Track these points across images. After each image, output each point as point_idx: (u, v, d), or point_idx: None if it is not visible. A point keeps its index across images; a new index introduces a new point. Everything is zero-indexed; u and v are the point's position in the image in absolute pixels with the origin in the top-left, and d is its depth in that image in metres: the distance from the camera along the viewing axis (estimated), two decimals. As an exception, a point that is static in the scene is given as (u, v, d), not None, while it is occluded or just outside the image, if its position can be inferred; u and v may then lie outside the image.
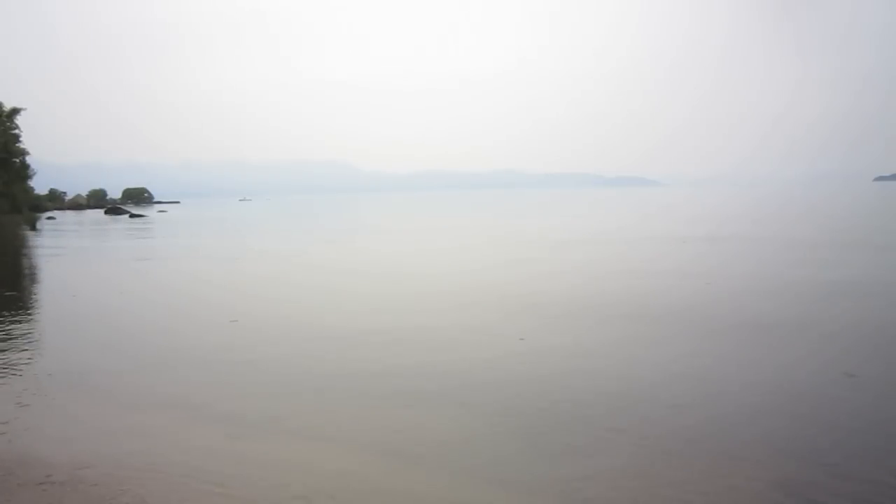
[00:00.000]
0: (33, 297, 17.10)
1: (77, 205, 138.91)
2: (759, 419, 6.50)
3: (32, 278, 21.86)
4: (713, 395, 7.30)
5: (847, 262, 18.79)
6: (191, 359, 9.44)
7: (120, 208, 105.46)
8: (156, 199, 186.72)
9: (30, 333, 11.47)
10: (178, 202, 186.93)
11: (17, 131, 77.17)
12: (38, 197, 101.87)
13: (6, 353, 9.80)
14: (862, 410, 6.72)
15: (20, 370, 8.85)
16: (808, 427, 6.31)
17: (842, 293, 13.67)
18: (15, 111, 76.77)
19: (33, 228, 54.77)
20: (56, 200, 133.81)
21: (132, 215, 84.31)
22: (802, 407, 6.85)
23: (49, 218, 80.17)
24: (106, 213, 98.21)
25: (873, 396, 7.16)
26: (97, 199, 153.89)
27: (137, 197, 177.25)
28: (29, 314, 13.78)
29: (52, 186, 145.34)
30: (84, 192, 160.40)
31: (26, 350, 10.08)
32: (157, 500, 5.12)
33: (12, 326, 11.90)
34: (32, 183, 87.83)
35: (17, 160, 77.29)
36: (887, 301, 12.85)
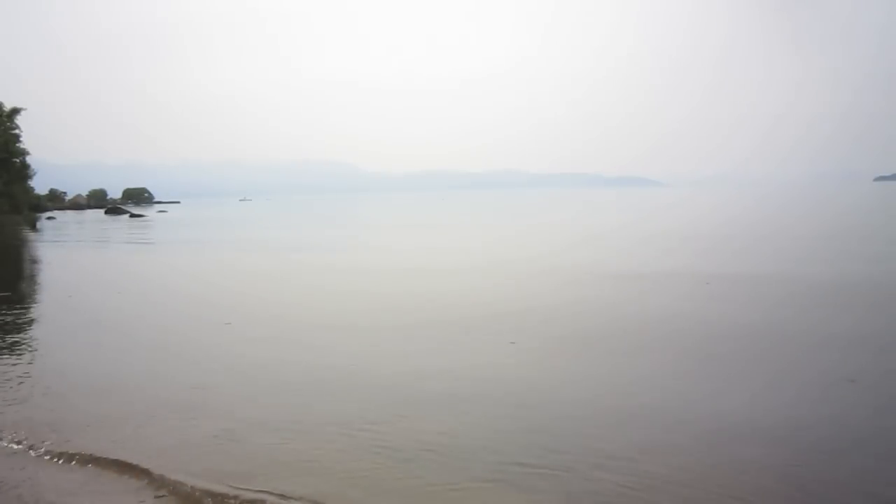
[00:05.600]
0: (30, 297, 17.04)
1: (77, 205, 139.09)
2: (760, 423, 6.44)
3: (31, 279, 21.84)
4: (713, 400, 7.22)
5: (848, 263, 18.73)
6: (184, 361, 9.37)
7: (120, 208, 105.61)
8: (156, 200, 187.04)
9: (23, 334, 11.40)
10: (178, 202, 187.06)
11: (17, 131, 77.29)
12: (38, 197, 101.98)
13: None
14: (864, 415, 6.65)
15: (11, 371, 8.80)
16: (810, 432, 6.24)
17: (843, 296, 13.62)
18: (15, 111, 76.85)
19: (33, 228, 54.78)
20: (56, 200, 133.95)
21: (132, 215, 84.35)
22: (804, 412, 6.79)
23: (49, 218, 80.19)
24: (106, 213, 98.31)
25: (875, 401, 7.09)
26: (97, 199, 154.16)
27: (137, 197, 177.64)
28: (24, 315, 13.70)
29: (52, 186, 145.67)
30: (84, 192, 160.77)
31: (18, 351, 10.02)
32: (152, 502, 5.08)
33: (6, 326, 11.85)
34: (32, 183, 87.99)
35: (17, 160, 77.35)
36: (889, 304, 12.78)
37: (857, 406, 6.91)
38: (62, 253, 31.58)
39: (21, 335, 11.35)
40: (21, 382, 8.35)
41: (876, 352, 9.06)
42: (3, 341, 10.73)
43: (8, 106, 76.24)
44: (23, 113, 77.56)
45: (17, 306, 14.71)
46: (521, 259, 22.35)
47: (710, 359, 8.90)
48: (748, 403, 7.02)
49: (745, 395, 7.31)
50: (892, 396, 7.29)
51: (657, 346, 9.67)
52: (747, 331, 10.47)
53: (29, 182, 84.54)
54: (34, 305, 15.57)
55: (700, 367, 8.53)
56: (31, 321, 13.07)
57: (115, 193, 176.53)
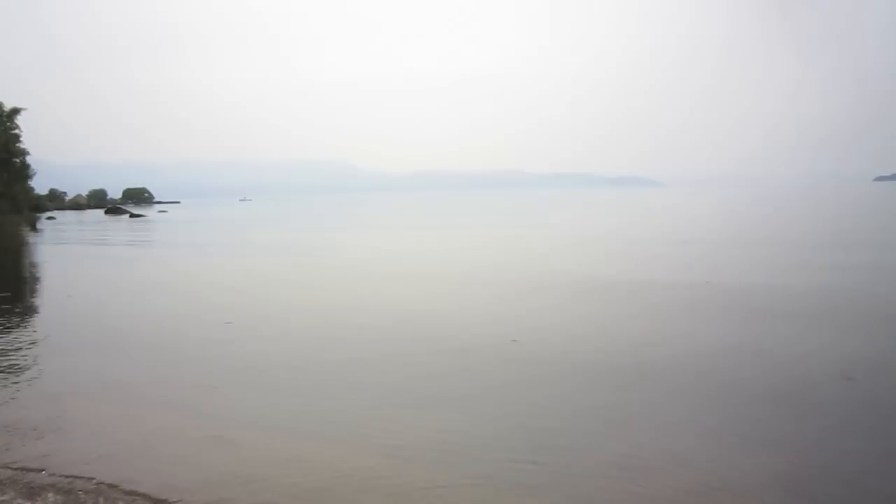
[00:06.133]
0: (29, 297, 17.04)
1: (77, 205, 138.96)
2: (759, 421, 6.44)
3: (30, 279, 21.82)
4: (713, 400, 7.23)
5: (848, 264, 18.72)
6: (184, 361, 9.36)
7: (120, 208, 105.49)
8: (156, 200, 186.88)
9: (22, 334, 11.38)
10: (178, 202, 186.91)
11: (17, 131, 77.33)
12: (39, 197, 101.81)
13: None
14: (861, 413, 6.66)
15: (8, 371, 8.79)
16: (808, 429, 6.26)
17: (842, 296, 13.61)
18: (15, 111, 76.91)
19: (34, 229, 54.75)
20: (56, 200, 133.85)
21: (132, 215, 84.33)
22: (802, 409, 6.80)
23: (49, 218, 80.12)
24: (106, 213, 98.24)
25: (872, 399, 7.10)
26: (97, 199, 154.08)
27: (138, 197, 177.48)
28: (23, 315, 13.70)
29: (52, 186, 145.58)
30: (84, 192, 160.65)
31: (15, 351, 10.01)
32: (150, 501, 5.08)
33: (5, 327, 11.84)
34: (32, 183, 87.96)
35: (17, 160, 77.40)
36: (887, 303, 12.77)
37: (854, 402, 6.93)
38: (62, 253, 31.57)
39: (19, 335, 11.33)
40: (18, 383, 8.35)
41: (875, 353, 9.07)
42: (1, 342, 10.71)
43: (8, 106, 76.31)
44: (23, 113, 77.65)
45: (17, 306, 14.71)
46: (523, 261, 22.41)
47: (709, 359, 8.89)
48: (749, 400, 7.03)
49: (746, 393, 7.31)
50: (891, 394, 7.30)
51: (656, 346, 9.66)
52: (747, 330, 10.48)
53: (29, 182, 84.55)
54: (33, 306, 15.57)
55: (699, 367, 8.52)
56: (30, 321, 13.06)
57: (115, 193, 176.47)
